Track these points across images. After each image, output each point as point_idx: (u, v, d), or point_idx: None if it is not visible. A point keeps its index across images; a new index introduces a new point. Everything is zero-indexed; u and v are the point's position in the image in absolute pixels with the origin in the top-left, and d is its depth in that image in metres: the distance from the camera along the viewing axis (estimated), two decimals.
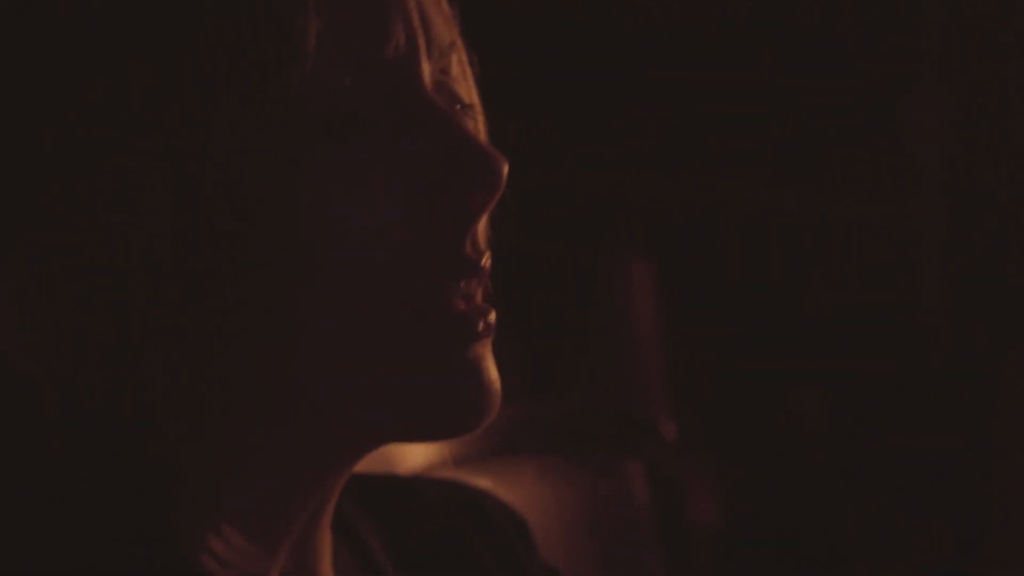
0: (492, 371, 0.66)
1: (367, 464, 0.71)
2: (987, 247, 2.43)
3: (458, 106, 0.70)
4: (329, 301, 0.63)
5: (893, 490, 2.39)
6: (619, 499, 1.17)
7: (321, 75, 0.63)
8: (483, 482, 0.96)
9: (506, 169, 0.66)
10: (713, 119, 2.57)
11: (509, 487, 0.99)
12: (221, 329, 0.62)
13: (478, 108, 0.73)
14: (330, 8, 0.64)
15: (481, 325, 0.66)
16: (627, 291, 2.39)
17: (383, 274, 0.64)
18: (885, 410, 2.41)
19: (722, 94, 2.55)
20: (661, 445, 1.22)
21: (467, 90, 0.72)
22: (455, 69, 0.70)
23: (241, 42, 0.62)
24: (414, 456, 1.13)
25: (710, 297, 2.54)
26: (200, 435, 0.65)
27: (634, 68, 2.60)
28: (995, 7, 2.39)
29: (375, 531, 0.81)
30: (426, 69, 0.67)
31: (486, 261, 0.67)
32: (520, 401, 1.24)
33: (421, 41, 0.67)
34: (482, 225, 0.68)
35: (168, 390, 0.63)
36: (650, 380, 2.34)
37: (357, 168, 0.64)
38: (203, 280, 0.62)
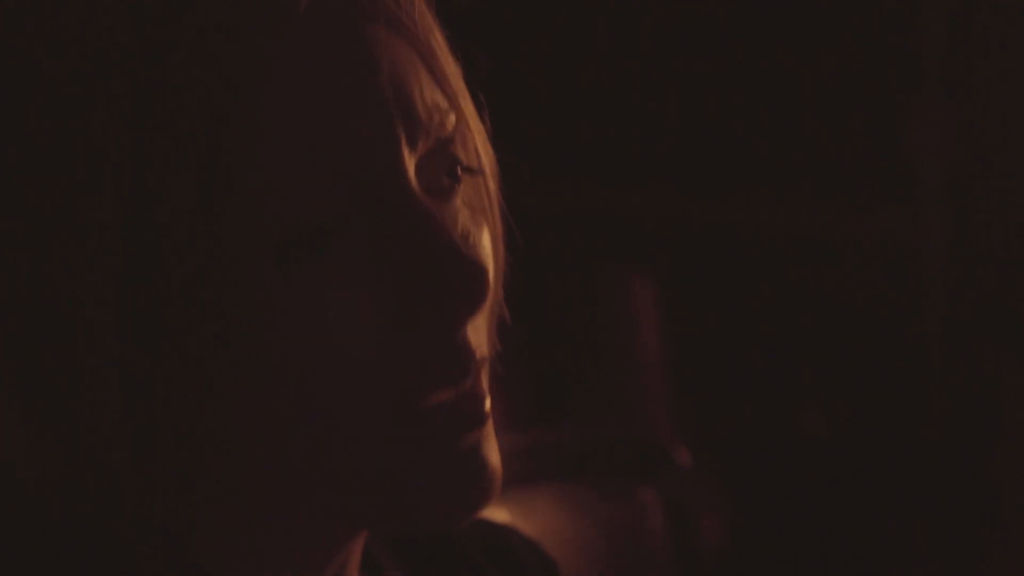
0: (484, 461, 0.63)
1: None
2: (989, 261, 2.43)
3: (453, 180, 0.65)
4: (302, 407, 0.61)
5: (898, 503, 2.39)
6: (635, 526, 1.17)
7: (273, 186, 0.60)
8: (500, 511, 0.96)
9: (490, 278, 0.62)
10: (715, 136, 2.57)
11: (526, 515, 0.99)
12: (192, 433, 0.61)
13: (485, 161, 0.71)
14: (281, 109, 0.60)
15: (471, 417, 0.63)
16: (630, 309, 2.39)
17: (356, 382, 0.61)
18: (889, 425, 2.41)
19: (724, 112, 2.55)
20: (675, 472, 1.23)
21: (470, 149, 0.69)
22: (454, 132, 0.66)
23: (169, 164, 0.59)
24: None
25: (713, 313, 2.54)
26: (201, 524, 0.64)
27: (637, 87, 2.60)
28: (997, 22, 2.40)
29: (399, 566, 0.81)
30: (405, 159, 0.63)
31: (481, 355, 0.63)
32: (534, 428, 1.25)
33: (398, 129, 0.63)
34: (480, 321, 0.65)
35: (159, 486, 0.62)
36: (654, 397, 2.34)
37: (322, 287, 0.61)
38: (176, 388, 0.60)
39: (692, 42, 2.58)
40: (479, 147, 0.70)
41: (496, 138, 0.72)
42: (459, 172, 0.66)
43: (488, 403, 0.64)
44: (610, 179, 2.58)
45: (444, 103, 0.65)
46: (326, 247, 0.60)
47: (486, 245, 0.67)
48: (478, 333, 0.64)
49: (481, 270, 0.61)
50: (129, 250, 0.60)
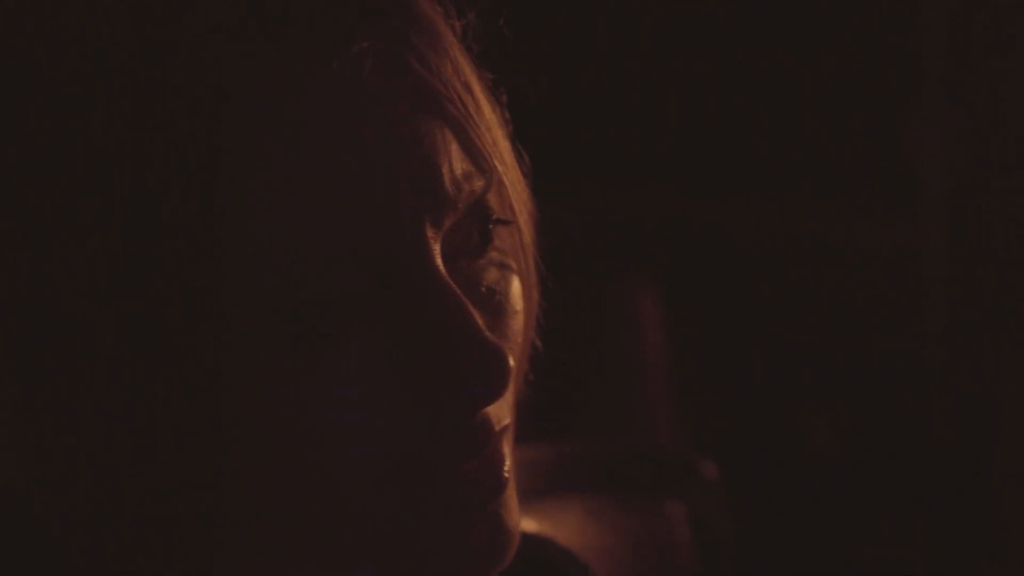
0: (502, 525, 0.64)
1: None
2: (990, 267, 2.43)
3: (484, 237, 0.65)
4: (316, 480, 0.61)
5: (901, 511, 2.39)
6: (661, 539, 1.16)
7: (281, 260, 0.59)
8: (530, 522, 0.95)
9: (510, 367, 0.61)
10: (716, 140, 2.56)
11: (554, 527, 0.98)
12: (204, 495, 0.61)
13: (520, 210, 0.70)
14: (293, 179, 0.59)
15: (490, 485, 0.64)
16: (632, 314, 2.38)
17: (370, 460, 0.61)
18: (891, 430, 2.41)
19: (726, 116, 2.55)
20: (702, 485, 1.22)
21: (504, 198, 0.68)
22: (486, 191, 0.65)
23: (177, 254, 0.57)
24: None
25: (713, 318, 2.54)
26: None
27: (637, 90, 2.59)
28: (997, 27, 2.40)
29: None
30: (429, 239, 0.62)
31: (502, 425, 0.64)
32: (557, 439, 1.24)
33: (422, 209, 0.62)
34: (508, 393, 0.65)
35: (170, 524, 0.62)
36: (656, 403, 2.34)
37: (338, 365, 0.60)
38: (184, 461, 0.60)
39: (692, 45, 2.58)
40: (514, 199, 0.69)
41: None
42: (491, 231, 0.65)
43: (508, 466, 0.64)
44: (611, 183, 2.58)
45: (475, 170, 0.64)
46: (343, 325, 0.60)
47: (515, 297, 0.66)
48: (501, 405, 0.65)
49: (501, 361, 0.61)
50: (124, 300, 0.58)
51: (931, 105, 2.42)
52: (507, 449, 0.65)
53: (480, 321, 0.61)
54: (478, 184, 0.64)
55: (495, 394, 0.61)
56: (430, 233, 0.61)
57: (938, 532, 2.35)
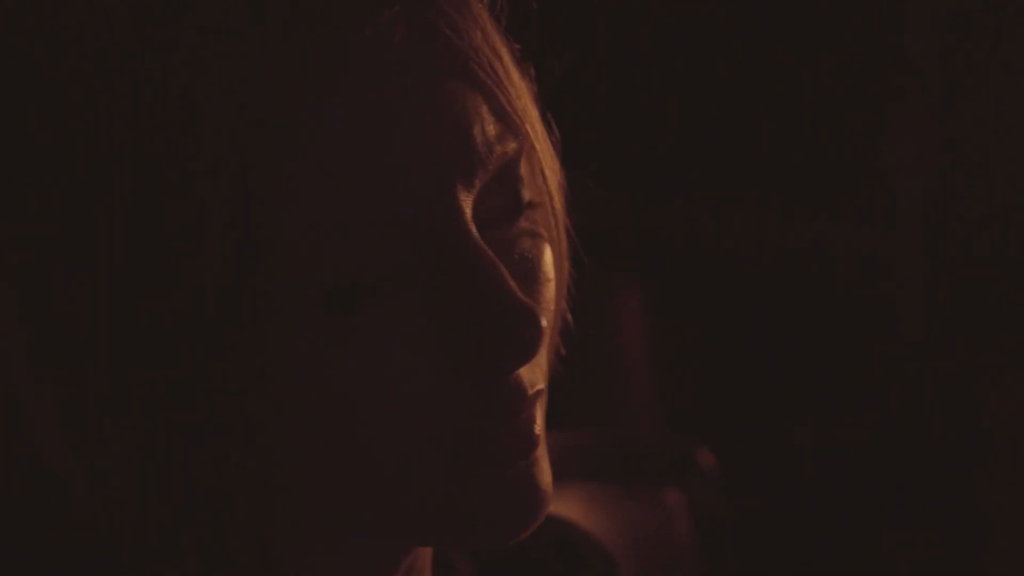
0: (535, 483, 0.64)
1: None
2: (968, 275, 2.45)
3: (517, 204, 0.65)
4: (356, 448, 0.61)
5: (888, 517, 2.40)
6: (661, 528, 1.17)
7: (319, 233, 0.59)
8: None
9: (542, 327, 0.61)
10: (698, 147, 2.58)
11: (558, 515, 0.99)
12: (246, 466, 0.62)
13: (551, 179, 0.69)
14: (329, 154, 0.59)
15: (524, 446, 0.63)
16: (616, 319, 2.39)
17: (410, 426, 0.61)
18: (876, 439, 2.43)
19: (709, 125, 2.56)
20: (701, 475, 1.23)
21: (535, 167, 0.67)
22: (518, 156, 0.64)
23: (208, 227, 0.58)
24: None
25: (698, 324, 2.55)
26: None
27: (625, 97, 2.60)
28: (977, 36, 2.42)
29: (466, 559, 0.81)
30: (462, 203, 0.61)
31: (536, 390, 0.63)
32: (565, 430, 1.25)
33: (454, 174, 0.61)
34: (541, 358, 0.65)
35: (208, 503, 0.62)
36: (640, 409, 2.34)
37: (376, 333, 0.60)
38: (225, 429, 0.61)
39: (675, 52, 2.59)
40: (545, 166, 0.69)
41: None
42: (523, 197, 0.65)
43: (539, 426, 0.64)
44: (597, 188, 2.59)
45: (506, 132, 0.64)
46: (380, 294, 0.60)
47: (547, 265, 0.66)
48: (534, 369, 0.64)
49: (534, 320, 0.60)
50: (167, 289, 0.59)
51: (910, 113, 2.44)
52: (540, 412, 0.65)
53: (513, 284, 0.61)
54: (511, 146, 0.63)
55: (528, 353, 0.60)
56: (462, 195, 0.61)
57: (923, 532, 2.36)
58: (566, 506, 1.05)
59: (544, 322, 0.62)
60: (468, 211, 0.62)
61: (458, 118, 0.62)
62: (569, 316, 0.74)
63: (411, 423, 0.61)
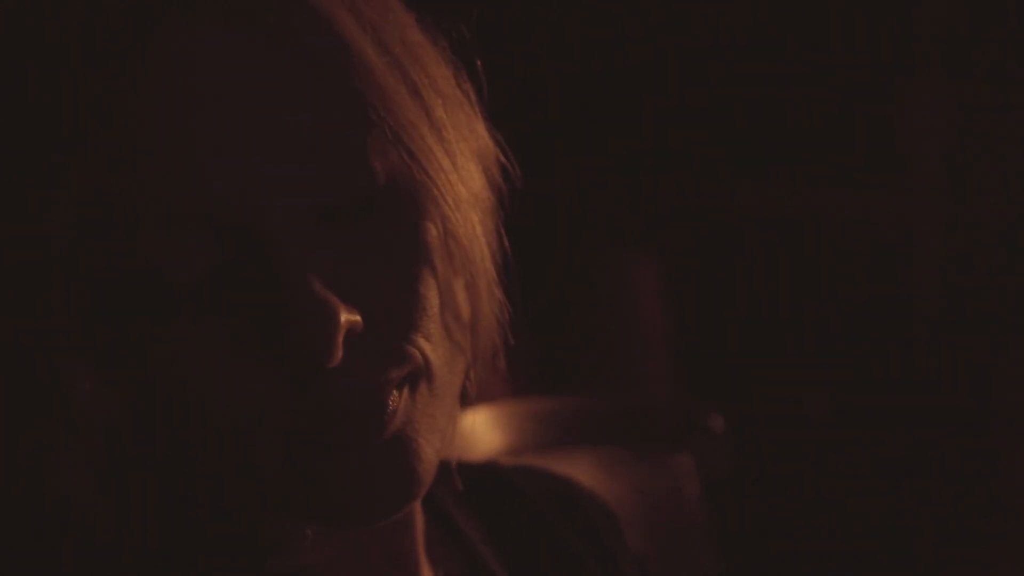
0: (392, 464, 0.63)
1: None
2: (985, 245, 2.44)
3: (366, 211, 0.63)
4: (202, 439, 0.63)
5: (897, 488, 2.40)
6: (670, 491, 1.17)
7: (132, 231, 0.61)
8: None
9: (336, 323, 0.60)
10: (715, 120, 2.57)
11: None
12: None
13: (445, 179, 0.65)
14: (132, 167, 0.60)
15: (368, 427, 0.63)
16: (632, 291, 2.39)
17: (237, 415, 0.63)
18: (889, 408, 2.42)
19: (722, 96, 2.55)
20: (711, 439, 1.23)
21: (403, 171, 0.64)
22: (359, 158, 0.63)
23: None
24: (474, 448, 1.14)
25: (714, 295, 2.55)
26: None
27: (638, 71, 2.60)
28: (993, 3, 2.41)
29: (471, 519, 0.81)
30: (272, 197, 0.61)
31: (390, 373, 0.63)
32: (574, 394, 1.26)
33: (262, 163, 0.61)
34: (387, 340, 0.64)
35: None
36: (655, 379, 2.35)
37: (191, 332, 0.62)
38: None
39: (691, 30, 2.59)
40: (436, 152, 0.65)
41: (501, 119, 0.69)
42: (371, 189, 0.63)
43: (398, 408, 0.63)
44: (612, 163, 2.59)
45: (347, 119, 0.62)
46: (190, 291, 0.61)
47: (404, 259, 0.64)
48: (391, 352, 0.63)
49: (326, 318, 0.59)
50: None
51: (926, 84, 2.44)
52: (404, 393, 0.63)
53: (317, 281, 0.60)
54: (351, 136, 0.61)
55: (324, 349, 0.60)
56: (274, 190, 0.61)
57: (932, 503, 2.36)
58: (575, 469, 1.05)
59: (346, 318, 0.61)
60: (278, 205, 0.61)
61: (277, 107, 0.61)
62: (503, 299, 0.71)
63: (237, 412, 0.62)
